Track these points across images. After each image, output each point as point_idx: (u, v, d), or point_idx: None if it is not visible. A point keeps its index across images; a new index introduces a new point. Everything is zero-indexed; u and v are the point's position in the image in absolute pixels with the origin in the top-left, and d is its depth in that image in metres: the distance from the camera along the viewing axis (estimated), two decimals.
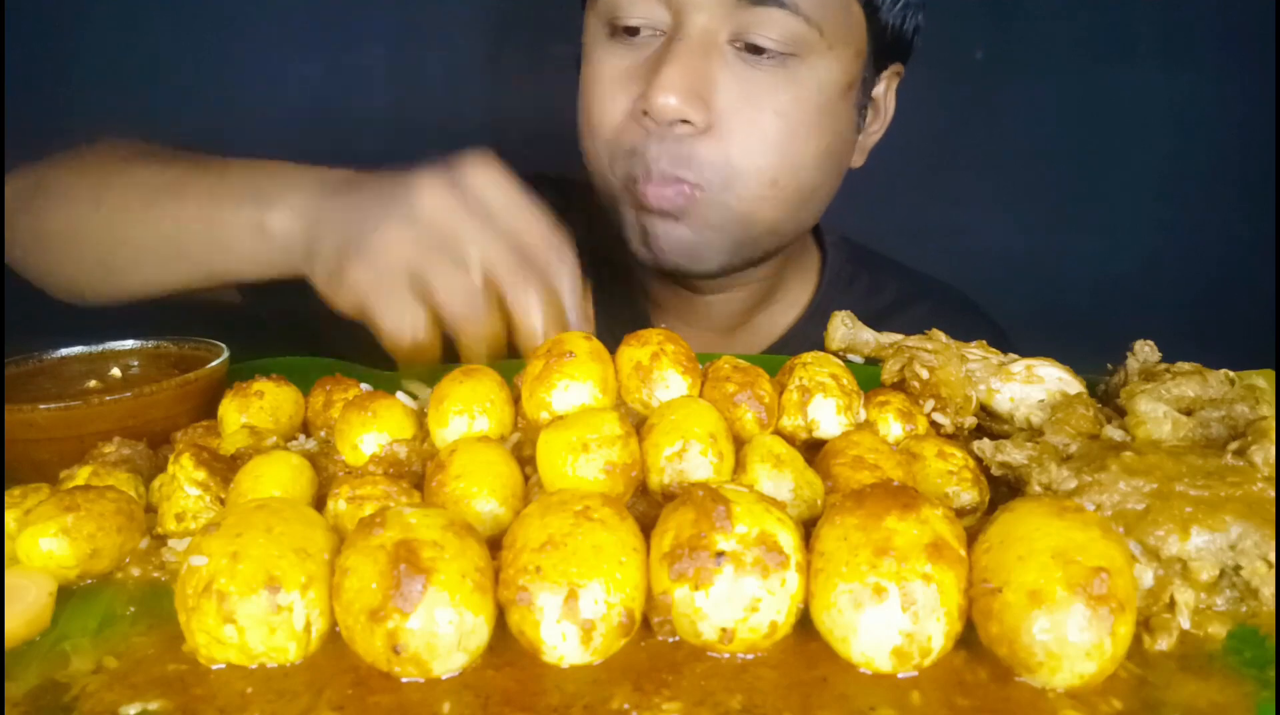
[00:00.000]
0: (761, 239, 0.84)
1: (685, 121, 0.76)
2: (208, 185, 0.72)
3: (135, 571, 0.46)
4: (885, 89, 0.90)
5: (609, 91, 0.81)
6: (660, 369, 0.52)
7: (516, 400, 0.54)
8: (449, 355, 0.62)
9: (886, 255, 1.09)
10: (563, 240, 0.63)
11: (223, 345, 0.67)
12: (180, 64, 1.36)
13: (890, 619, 0.35)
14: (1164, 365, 0.55)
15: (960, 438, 0.56)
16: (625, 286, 1.00)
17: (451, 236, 0.60)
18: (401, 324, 0.60)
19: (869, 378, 0.61)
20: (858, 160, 0.91)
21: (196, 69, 1.37)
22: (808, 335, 0.78)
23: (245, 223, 0.68)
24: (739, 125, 0.78)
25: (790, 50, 0.77)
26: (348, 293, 0.62)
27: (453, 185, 0.61)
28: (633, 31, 0.79)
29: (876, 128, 0.92)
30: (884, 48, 0.84)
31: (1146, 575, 0.41)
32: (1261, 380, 0.52)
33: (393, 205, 0.61)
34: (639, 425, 0.49)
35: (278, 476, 0.47)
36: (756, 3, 0.75)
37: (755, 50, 0.76)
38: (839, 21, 0.78)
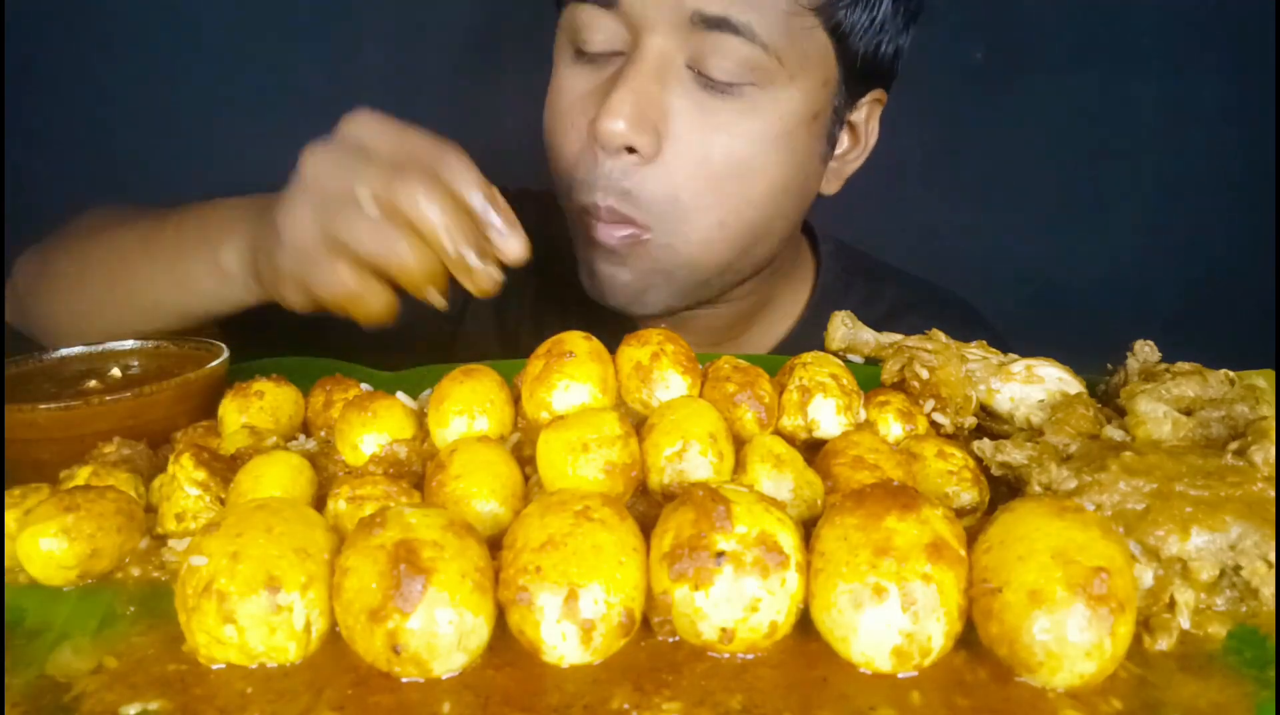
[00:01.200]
0: (711, 281, 0.82)
1: (631, 150, 0.74)
2: (169, 239, 0.75)
3: (135, 571, 0.46)
4: (866, 116, 0.86)
5: (568, 116, 0.79)
6: (660, 369, 0.53)
7: (516, 400, 0.54)
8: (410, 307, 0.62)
9: (884, 261, 1.06)
10: (449, 145, 0.61)
11: (223, 345, 0.67)
12: (180, 64, 1.36)
13: (890, 619, 0.35)
14: (1164, 365, 0.55)
15: (960, 438, 0.56)
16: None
17: (338, 188, 0.59)
18: (332, 285, 0.60)
19: (869, 378, 0.61)
20: (831, 188, 0.88)
21: (197, 69, 1.37)
22: (800, 346, 0.78)
23: (204, 267, 0.71)
24: (687, 156, 0.74)
25: (748, 80, 0.73)
26: (290, 289, 0.63)
27: (330, 145, 0.61)
28: (593, 50, 0.77)
29: (855, 154, 0.88)
30: (857, 75, 0.80)
31: (1146, 575, 0.41)
32: (1261, 380, 0.52)
33: (290, 190, 0.62)
34: (639, 425, 0.49)
35: (278, 476, 0.47)
36: (711, 27, 0.71)
37: (717, 73, 0.73)
38: (801, 50, 0.74)
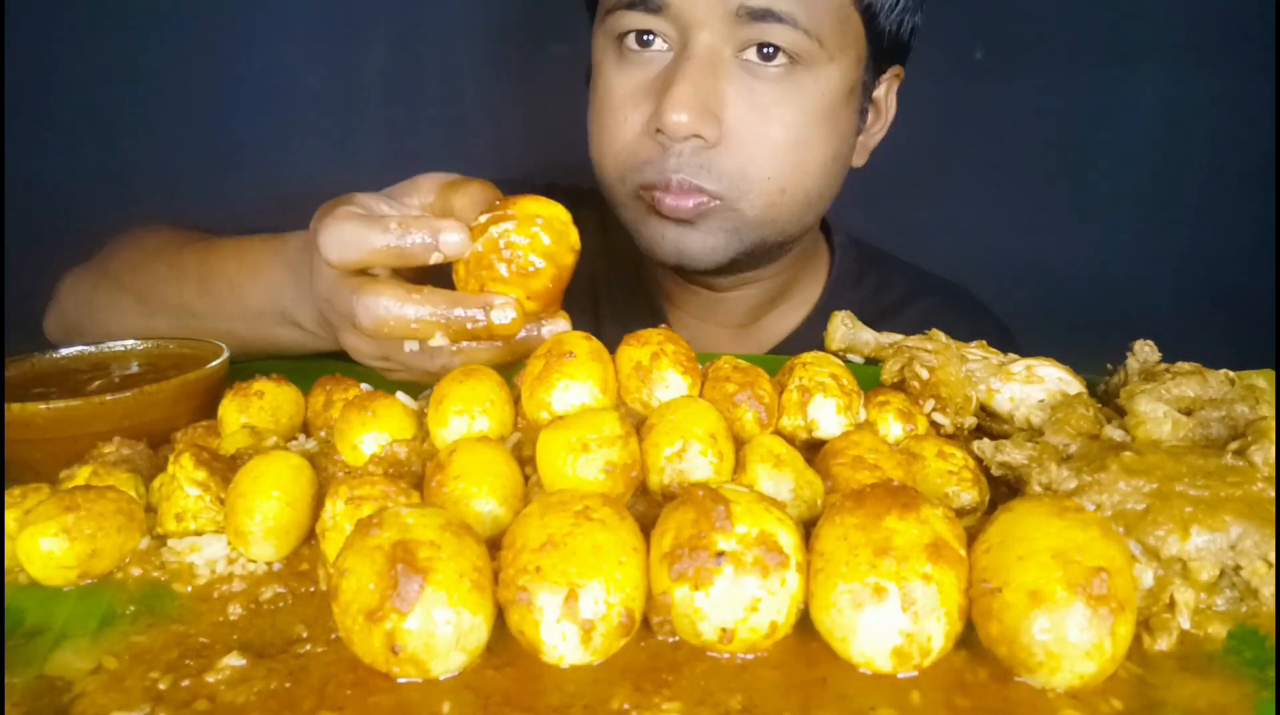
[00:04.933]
0: (769, 240, 0.87)
1: (698, 136, 0.79)
2: (228, 293, 0.77)
3: (135, 571, 0.46)
4: (886, 91, 0.92)
5: (621, 110, 0.84)
6: (660, 369, 0.52)
7: (516, 400, 0.54)
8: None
9: (892, 254, 1.10)
10: (328, 220, 0.60)
11: (223, 345, 0.67)
12: (180, 64, 1.36)
13: (890, 619, 0.35)
14: (1164, 365, 0.55)
15: (960, 438, 0.56)
16: (640, 283, 1.03)
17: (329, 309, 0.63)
18: (415, 374, 0.62)
19: (869, 378, 0.61)
20: (859, 160, 0.93)
21: (198, 69, 1.37)
22: (816, 332, 0.79)
23: (279, 327, 0.74)
24: (748, 137, 0.80)
25: (793, 62, 0.80)
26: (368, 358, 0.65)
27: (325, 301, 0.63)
28: (643, 46, 0.82)
29: (878, 128, 0.94)
30: (882, 52, 0.87)
31: (1146, 575, 0.41)
32: (1261, 380, 0.52)
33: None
34: (639, 425, 0.49)
35: (278, 476, 0.47)
36: (756, 18, 0.77)
37: (764, 57, 0.79)
38: (838, 31, 0.81)
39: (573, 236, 0.58)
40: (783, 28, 0.77)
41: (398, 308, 0.56)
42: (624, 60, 0.84)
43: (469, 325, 0.56)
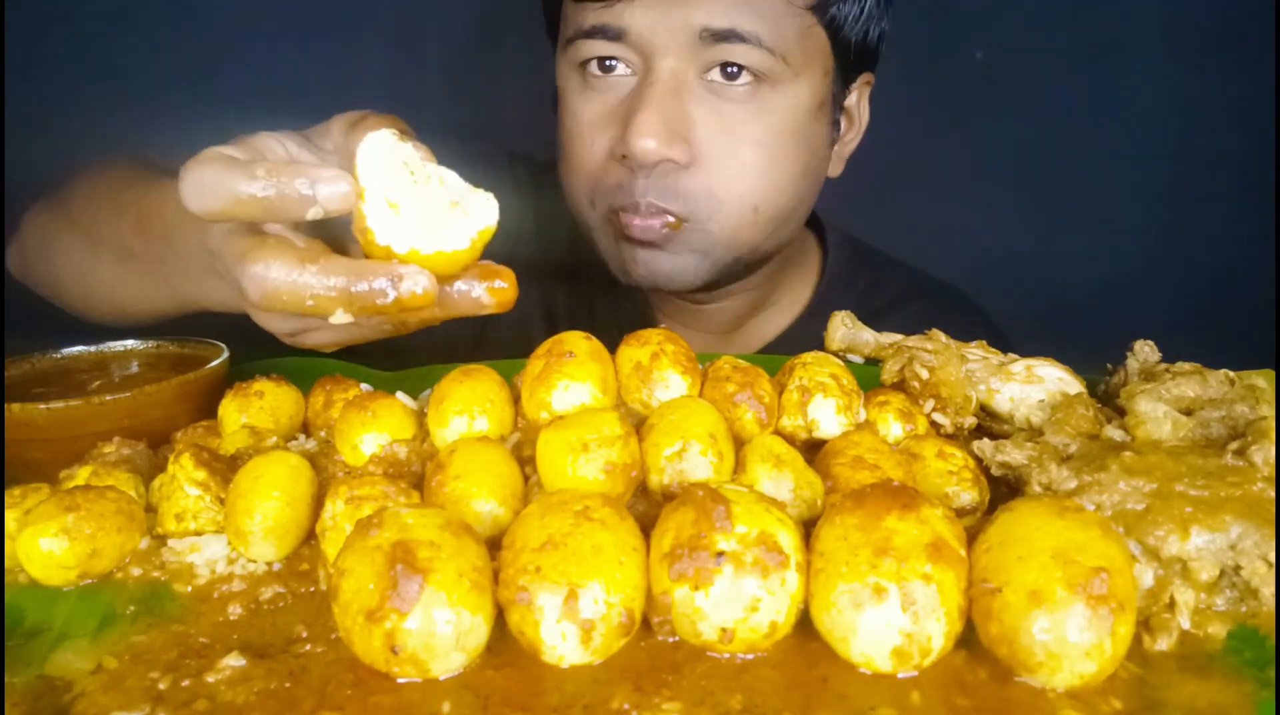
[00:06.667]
0: (743, 257, 0.86)
1: (670, 160, 0.78)
2: (162, 254, 0.67)
3: (135, 571, 0.46)
4: (858, 99, 0.91)
5: (587, 135, 0.83)
6: (660, 369, 0.52)
7: (516, 400, 0.54)
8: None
9: (887, 254, 1.09)
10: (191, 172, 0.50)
11: (223, 345, 0.67)
12: (179, 63, 1.36)
13: (890, 619, 0.35)
14: (1164, 365, 0.55)
15: (960, 438, 0.56)
16: (628, 288, 1.01)
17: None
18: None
19: (869, 378, 0.61)
20: (835, 170, 0.92)
21: (195, 68, 1.37)
22: (807, 334, 0.79)
23: (212, 290, 0.63)
24: (718, 157, 0.80)
25: (758, 81, 0.79)
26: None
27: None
28: (605, 72, 0.81)
29: (852, 137, 0.93)
30: (849, 62, 0.86)
31: (1146, 575, 0.41)
32: (1261, 380, 0.52)
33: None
34: (639, 425, 0.49)
35: (278, 477, 0.47)
36: (719, 39, 0.76)
37: (729, 77, 0.78)
38: (802, 47, 0.80)
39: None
40: (746, 47, 0.76)
41: (288, 279, 0.46)
42: (588, 87, 0.83)
43: (377, 300, 0.46)
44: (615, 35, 0.78)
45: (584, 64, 0.82)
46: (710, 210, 0.81)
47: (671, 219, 0.81)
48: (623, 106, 0.80)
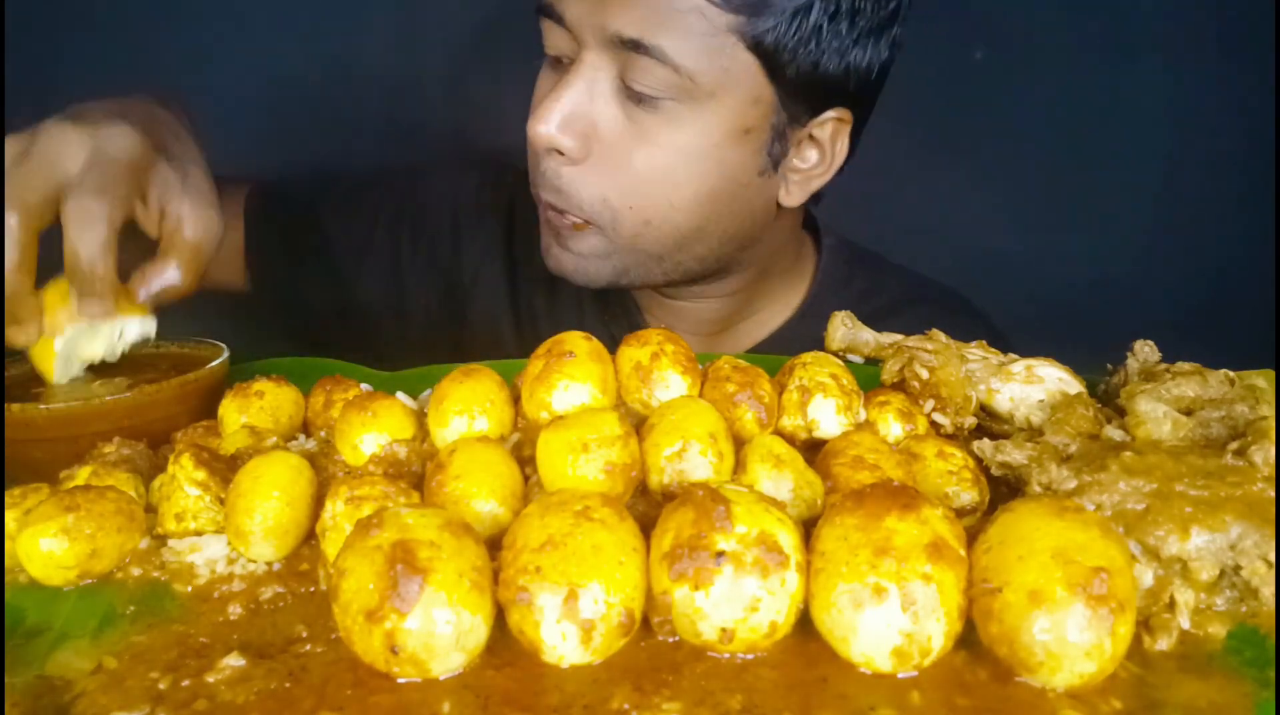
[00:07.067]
0: (650, 265, 0.85)
1: (558, 151, 0.79)
2: None
3: (135, 571, 0.46)
4: (832, 133, 0.85)
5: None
6: (660, 369, 0.53)
7: (516, 400, 0.54)
8: None
9: (886, 257, 1.08)
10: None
11: (223, 345, 0.67)
12: (178, 61, 1.36)
13: (890, 619, 0.35)
14: (1164, 365, 0.55)
15: (960, 438, 0.56)
16: (619, 290, 1.01)
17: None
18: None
19: (869, 378, 0.61)
20: (794, 199, 0.88)
21: (194, 66, 1.37)
22: (797, 336, 0.77)
23: None
24: (613, 164, 0.79)
25: (669, 95, 0.77)
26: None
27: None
28: (559, 65, 0.82)
29: (820, 170, 0.88)
30: (800, 92, 0.80)
31: (1146, 575, 0.41)
32: (1261, 380, 0.51)
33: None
34: (639, 425, 0.49)
35: (278, 477, 0.47)
36: (631, 49, 0.75)
37: (635, 95, 0.78)
38: (721, 68, 0.76)
39: None
40: (650, 62, 0.75)
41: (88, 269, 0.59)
42: (548, 70, 0.84)
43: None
44: (557, 17, 0.79)
45: (545, 47, 0.83)
46: (605, 218, 0.81)
47: (573, 220, 0.82)
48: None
